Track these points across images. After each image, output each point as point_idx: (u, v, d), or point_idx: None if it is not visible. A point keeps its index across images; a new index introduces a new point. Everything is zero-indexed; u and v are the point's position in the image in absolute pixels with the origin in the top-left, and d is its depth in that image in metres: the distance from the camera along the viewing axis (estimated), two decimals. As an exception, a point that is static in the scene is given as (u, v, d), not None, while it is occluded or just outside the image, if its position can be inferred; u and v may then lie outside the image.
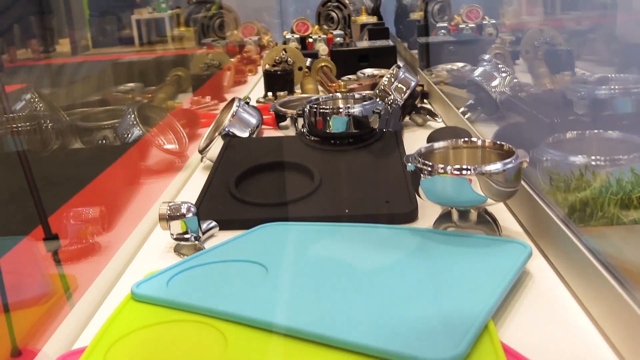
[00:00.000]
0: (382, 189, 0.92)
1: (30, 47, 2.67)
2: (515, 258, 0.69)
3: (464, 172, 0.74)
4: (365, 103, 1.05)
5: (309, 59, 2.09)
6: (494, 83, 1.33)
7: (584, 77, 1.21)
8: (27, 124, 1.08)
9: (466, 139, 0.84)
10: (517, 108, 1.27)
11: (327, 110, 1.04)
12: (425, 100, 1.57)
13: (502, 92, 1.31)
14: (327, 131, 1.05)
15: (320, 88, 1.78)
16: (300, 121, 1.16)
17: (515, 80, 1.33)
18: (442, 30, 2.39)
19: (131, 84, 1.92)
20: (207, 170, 1.15)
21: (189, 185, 1.11)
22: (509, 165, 0.74)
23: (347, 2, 2.62)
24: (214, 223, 0.86)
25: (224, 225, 0.87)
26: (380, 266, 0.70)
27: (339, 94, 1.17)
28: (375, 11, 2.67)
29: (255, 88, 1.96)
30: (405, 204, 0.87)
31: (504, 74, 1.35)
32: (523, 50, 1.85)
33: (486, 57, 1.37)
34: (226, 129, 1.11)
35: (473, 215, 0.78)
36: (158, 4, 5.44)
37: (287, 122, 1.27)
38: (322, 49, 2.35)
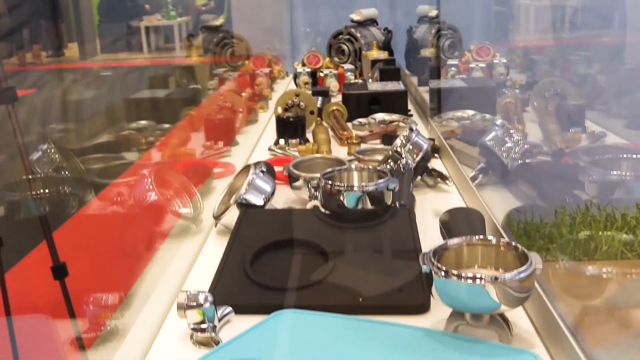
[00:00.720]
0: (395, 274, 0.94)
1: (32, 52, 2.70)
2: (527, 374, 0.70)
3: (478, 280, 0.75)
4: (379, 181, 1.07)
5: (320, 98, 2.10)
6: (505, 148, 1.34)
7: (595, 153, 1.22)
8: (47, 191, 1.10)
9: (481, 237, 0.86)
10: (527, 177, 1.28)
11: (341, 188, 1.06)
12: (436, 155, 1.59)
13: (513, 159, 1.32)
14: (341, 207, 1.07)
15: (331, 133, 1.80)
16: (314, 182, 1.19)
17: (526, 146, 1.35)
18: (453, 68, 2.41)
19: (143, 122, 1.94)
20: (221, 235, 1.17)
21: (204, 252, 1.12)
22: (523, 275, 0.76)
23: (358, 35, 2.64)
24: (229, 309, 0.88)
25: (239, 310, 0.89)
26: (394, 377, 0.71)
27: (353, 165, 1.18)
28: (386, 45, 2.69)
29: (266, 129, 1.97)
30: (417, 294, 0.89)
31: (515, 138, 1.37)
32: (533, 101, 1.87)
33: (498, 122, 1.38)
34: (242, 197, 1.13)
35: (486, 316, 0.80)
36: (167, 12, 5.46)
37: (300, 182, 1.29)
38: (333, 85, 2.37)
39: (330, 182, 1.07)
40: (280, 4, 3.73)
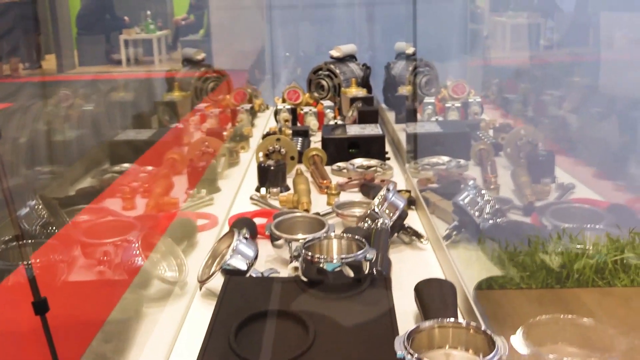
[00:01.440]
0: (372, 347, 0.99)
1: (10, 65, 2.72)
2: None
3: (449, 369, 0.81)
4: (358, 253, 1.12)
5: (300, 139, 2.16)
6: (478, 207, 1.41)
7: (562, 214, 1.30)
8: (38, 260, 1.14)
9: (452, 320, 0.92)
10: (498, 237, 1.35)
11: (321, 259, 1.12)
12: (412, 207, 1.65)
13: (484, 219, 1.39)
14: (321, 276, 1.12)
15: (311, 179, 1.86)
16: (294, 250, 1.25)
17: (497, 206, 1.42)
18: (429, 107, 2.48)
19: (126, 165, 1.98)
20: (205, 298, 1.22)
21: (190, 318, 1.17)
22: (490, 363, 0.82)
23: (337, 71, 2.70)
24: (215, 385, 0.93)
25: (224, 385, 0.94)
26: None
27: (332, 234, 1.24)
28: (364, 80, 2.75)
29: (247, 173, 2.02)
30: (393, 370, 0.94)
31: (486, 198, 1.44)
32: (507, 147, 1.94)
33: (470, 182, 1.45)
34: (227, 263, 1.18)
35: (456, 398, 0.86)
36: (146, 25, 5.48)
37: (281, 242, 1.34)
38: (313, 124, 2.43)
39: (310, 253, 1.13)
40: (259, 19, 3.79)
